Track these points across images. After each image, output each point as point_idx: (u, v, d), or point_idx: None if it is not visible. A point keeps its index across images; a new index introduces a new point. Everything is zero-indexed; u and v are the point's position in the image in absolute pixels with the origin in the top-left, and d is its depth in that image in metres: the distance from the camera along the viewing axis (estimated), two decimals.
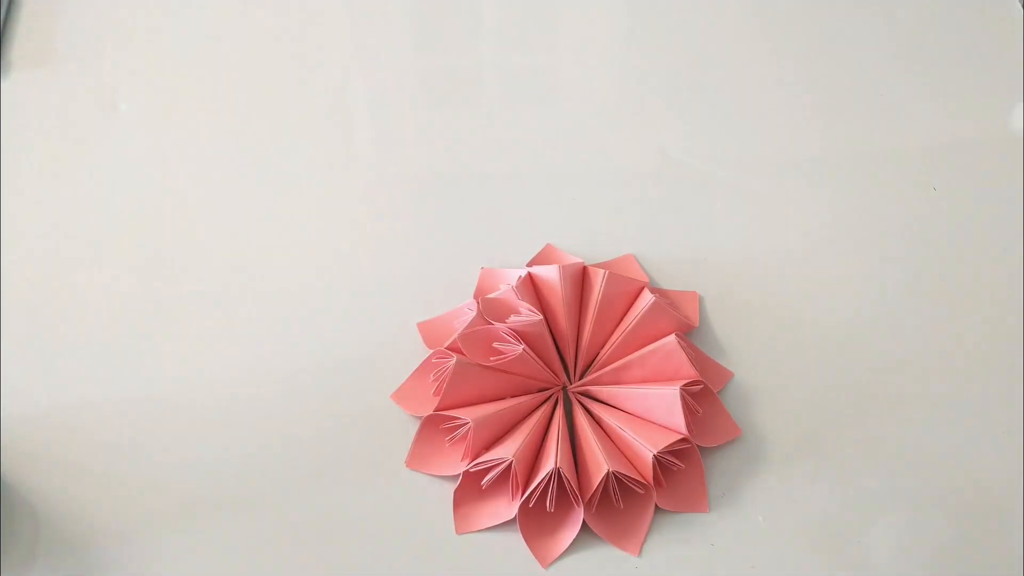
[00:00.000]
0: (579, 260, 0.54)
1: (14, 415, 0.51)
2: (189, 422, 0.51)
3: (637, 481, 0.46)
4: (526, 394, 0.49)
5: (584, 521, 0.46)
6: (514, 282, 0.51)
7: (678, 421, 0.47)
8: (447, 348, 0.50)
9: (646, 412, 0.48)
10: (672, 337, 0.49)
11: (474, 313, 0.50)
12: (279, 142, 0.61)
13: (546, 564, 0.46)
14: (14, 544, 0.47)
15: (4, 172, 0.59)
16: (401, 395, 0.51)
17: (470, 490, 0.47)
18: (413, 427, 0.50)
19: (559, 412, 0.49)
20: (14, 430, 0.50)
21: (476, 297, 0.53)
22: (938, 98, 0.64)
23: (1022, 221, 0.58)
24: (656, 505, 0.47)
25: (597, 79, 0.65)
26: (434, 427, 0.49)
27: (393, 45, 0.66)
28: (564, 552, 0.46)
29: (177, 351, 0.53)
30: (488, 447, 0.47)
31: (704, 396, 0.49)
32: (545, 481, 0.45)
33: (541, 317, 0.48)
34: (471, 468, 0.46)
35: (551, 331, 0.51)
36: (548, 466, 0.45)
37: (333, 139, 0.62)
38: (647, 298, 0.50)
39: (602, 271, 0.52)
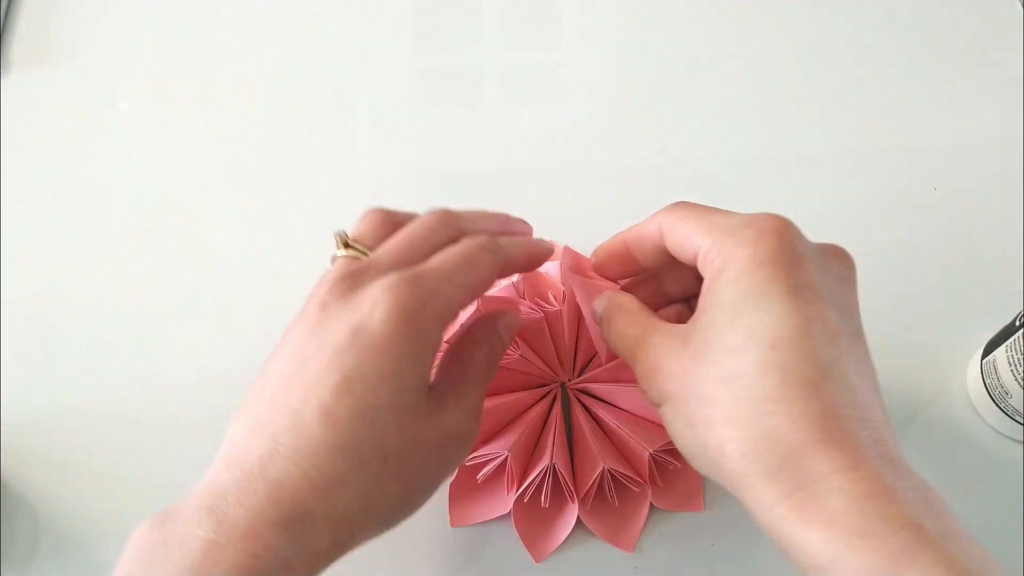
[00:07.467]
0: None
1: (14, 415, 0.51)
2: (189, 420, 0.51)
3: (633, 479, 0.46)
4: (524, 389, 0.49)
5: (579, 518, 0.46)
6: (515, 277, 0.51)
7: None
8: (447, 341, 0.50)
9: (644, 410, 0.48)
10: None
11: (474, 307, 0.50)
12: (280, 140, 0.61)
13: (540, 559, 0.46)
14: (14, 544, 0.47)
15: (4, 172, 0.60)
16: None
17: (466, 484, 0.47)
18: None
19: (557, 408, 0.48)
20: (14, 430, 0.50)
21: None
22: (938, 98, 0.64)
23: (1022, 221, 0.58)
24: (652, 503, 0.47)
25: (597, 79, 0.65)
26: None
27: (393, 45, 0.66)
28: (558, 548, 0.46)
29: (177, 350, 0.53)
30: (485, 441, 0.47)
31: None
32: (540, 477, 0.45)
33: (542, 315, 0.48)
34: (467, 462, 0.46)
35: (550, 327, 0.51)
36: (544, 462, 0.45)
37: (334, 137, 0.62)
38: None
39: None
